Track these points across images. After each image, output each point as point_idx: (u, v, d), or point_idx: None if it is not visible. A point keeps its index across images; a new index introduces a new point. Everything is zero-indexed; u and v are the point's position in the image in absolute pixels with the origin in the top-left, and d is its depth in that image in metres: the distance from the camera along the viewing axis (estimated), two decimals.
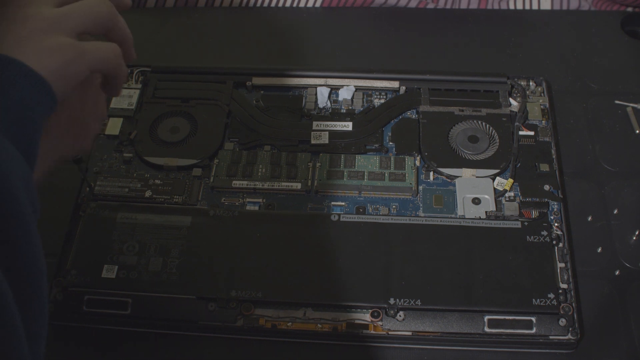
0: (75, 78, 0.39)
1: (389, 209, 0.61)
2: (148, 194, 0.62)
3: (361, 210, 0.61)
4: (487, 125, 0.65)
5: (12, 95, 0.35)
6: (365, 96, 0.69)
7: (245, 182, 0.62)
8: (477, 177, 0.62)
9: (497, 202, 0.61)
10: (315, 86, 0.69)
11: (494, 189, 0.61)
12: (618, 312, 0.56)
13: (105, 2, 0.42)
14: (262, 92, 0.70)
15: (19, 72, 0.36)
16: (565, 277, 0.56)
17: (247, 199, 0.62)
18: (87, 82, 0.42)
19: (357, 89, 0.69)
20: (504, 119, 0.66)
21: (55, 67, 0.38)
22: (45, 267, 0.36)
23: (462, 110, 0.67)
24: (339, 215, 0.59)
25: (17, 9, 0.39)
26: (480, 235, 0.57)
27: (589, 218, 0.62)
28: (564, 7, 0.79)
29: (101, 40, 0.42)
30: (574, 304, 0.54)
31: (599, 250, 0.60)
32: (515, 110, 0.66)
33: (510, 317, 0.54)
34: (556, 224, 0.59)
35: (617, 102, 0.70)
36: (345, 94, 0.68)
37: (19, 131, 0.36)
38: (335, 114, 0.68)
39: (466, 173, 0.62)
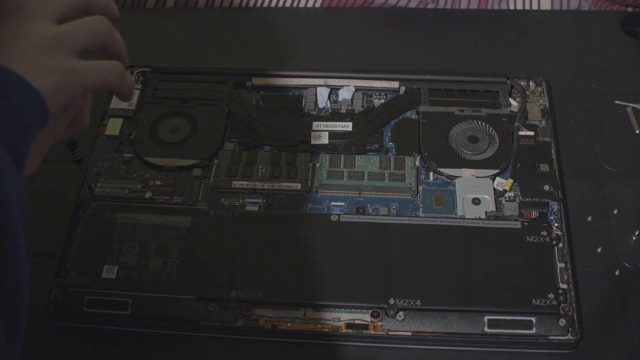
0: (70, 97, 0.40)
1: (389, 209, 0.61)
2: (148, 194, 0.62)
3: (361, 210, 0.61)
4: (487, 126, 0.65)
5: (9, 105, 0.36)
6: (365, 96, 0.69)
7: (245, 183, 0.62)
8: (477, 177, 0.62)
9: (497, 202, 0.61)
10: (315, 86, 0.69)
11: (494, 189, 0.61)
12: (618, 312, 0.56)
13: (103, 21, 0.43)
14: (262, 92, 0.70)
15: (18, 85, 0.37)
16: (565, 277, 0.56)
17: (247, 199, 0.62)
18: None
19: (357, 89, 0.69)
20: (504, 119, 0.66)
21: (51, 86, 0.39)
22: (28, 272, 0.36)
23: (462, 111, 0.67)
24: (338, 215, 0.59)
25: (20, 23, 0.40)
26: (480, 236, 0.57)
27: (589, 218, 0.62)
28: (564, 7, 0.79)
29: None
30: (573, 304, 0.54)
31: (599, 250, 0.60)
32: (515, 110, 0.66)
33: (510, 318, 0.54)
34: (556, 224, 0.59)
35: (617, 102, 0.70)
36: (345, 94, 0.68)
37: (13, 140, 0.36)
38: (335, 114, 0.68)
39: (466, 173, 0.62)
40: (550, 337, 0.54)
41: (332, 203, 0.61)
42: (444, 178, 0.63)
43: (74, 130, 0.45)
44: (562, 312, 0.54)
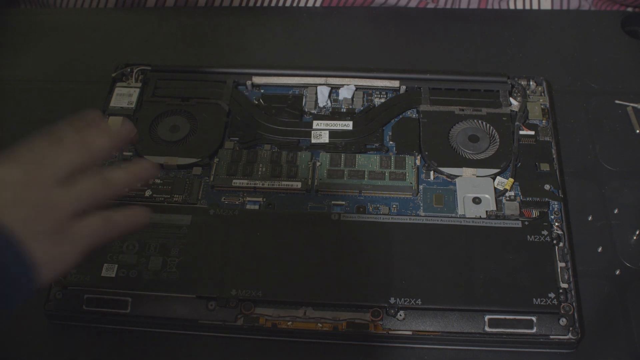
0: (67, 265, 0.40)
1: (390, 208, 0.61)
2: (148, 193, 0.62)
3: (361, 209, 0.61)
4: (488, 125, 0.65)
5: None
6: (365, 95, 0.69)
7: (246, 181, 0.62)
8: (477, 176, 0.62)
9: (498, 202, 0.61)
10: (316, 85, 0.69)
11: (495, 188, 0.61)
12: (618, 311, 0.56)
13: (110, 181, 0.43)
14: (262, 91, 0.70)
15: (11, 253, 0.37)
16: (566, 277, 0.56)
17: (247, 198, 0.62)
18: None
19: (358, 88, 0.69)
20: (505, 119, 0.66)
21: (48, 255, 0.38)
22: None
23: (463, 110, 0.67)
24: (339, 214, 0.59)
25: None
26: (481, 235, 0.57)
27: (590, 218, 0.62)
28: (564, 7, 0.79)
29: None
30: (574, 304, 0.54)
31: (600, 249, 0.60)
32: (516, 109, 0.66)
33: (511, 317, 0.54)
34: (556, 224, 0.59)
35: (617, 102, 0.70)
36: (345, 93, 0.68)
37: None
38: (335, 113, 0.68)
39: (466, 172, 0.62)
40: (551, 337, 0.54)
41: (333, 202, 0.61)
42: (444, 177, 0.63)
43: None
44: (562, 312, 0.54)
